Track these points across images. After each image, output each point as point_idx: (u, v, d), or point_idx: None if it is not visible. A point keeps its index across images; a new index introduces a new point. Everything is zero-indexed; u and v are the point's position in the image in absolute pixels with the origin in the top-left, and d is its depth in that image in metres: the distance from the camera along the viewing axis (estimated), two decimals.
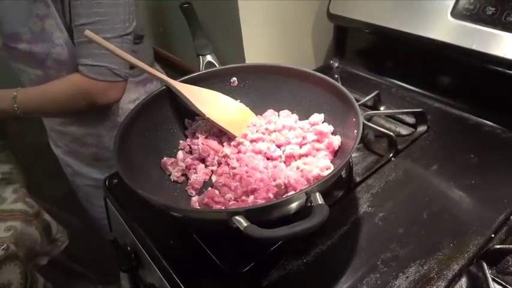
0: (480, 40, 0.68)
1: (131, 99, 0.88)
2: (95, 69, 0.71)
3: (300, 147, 0.62)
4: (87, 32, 0.61)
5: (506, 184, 0.60)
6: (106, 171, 0.89)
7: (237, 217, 0.41)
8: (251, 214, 0.42)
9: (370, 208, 0.59)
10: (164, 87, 0.66)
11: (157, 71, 0.68)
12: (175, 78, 0.67)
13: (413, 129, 0.74)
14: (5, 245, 0.78)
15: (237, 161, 0.61)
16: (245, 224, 0.40)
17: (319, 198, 0.43)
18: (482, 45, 0.68)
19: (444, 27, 0.73)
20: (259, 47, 0.94)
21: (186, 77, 0.68)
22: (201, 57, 0.75)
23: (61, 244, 1.01)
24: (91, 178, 1.00)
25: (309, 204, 0.44)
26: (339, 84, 0.61)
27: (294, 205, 0.44)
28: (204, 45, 0.75)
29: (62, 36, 0.72)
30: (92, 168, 0.98)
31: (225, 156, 0.63)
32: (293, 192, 0.53)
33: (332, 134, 0.62)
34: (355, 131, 0.53)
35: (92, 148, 0.93)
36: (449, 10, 0.72)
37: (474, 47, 0.68)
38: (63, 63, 0.75)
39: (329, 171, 0.56)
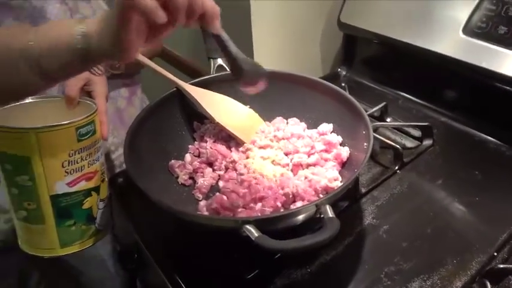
0: (490, 58, 0.68)
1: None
2: None
3: (308, 157, 0.62)
4: None
5: (509, 202, 0.60)
6: None
7: (247, 226, 0.41)
8: (261, 223, 0.42)
9: (374, 220, 0.59)
10: (174, 89, 0.66)
11: None
12: (185, 80, 0.67)
13: (419, 143, 0.74)
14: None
15: (245, 167, 0.61)
16: (256, 234, 0.40)
17: (329, 211, 0.43)
18: (492, 63, 0.68)
19: (455, 43, 0.73)
20: (268, 51, 0.95)
21: (197, 80, 0.68)
22: (211, 60, 0.75)
23: None
24: None
25: (318, 216, 0.44)
26: (349, 96, 0.61)
27: (303, 216, 0.45)
28: (215, 48, 0.75)
29: None
30: None
31: (233, 162, 0.63)
32: (301, 202, 0.54)
33: (340, 144, 0.63)
34: (365, 144, 0.53)
35: None
36: (462, 27, 0.73)
37: (484, 64, 0.69)
38: None
39: (337, 182, 0.56)
